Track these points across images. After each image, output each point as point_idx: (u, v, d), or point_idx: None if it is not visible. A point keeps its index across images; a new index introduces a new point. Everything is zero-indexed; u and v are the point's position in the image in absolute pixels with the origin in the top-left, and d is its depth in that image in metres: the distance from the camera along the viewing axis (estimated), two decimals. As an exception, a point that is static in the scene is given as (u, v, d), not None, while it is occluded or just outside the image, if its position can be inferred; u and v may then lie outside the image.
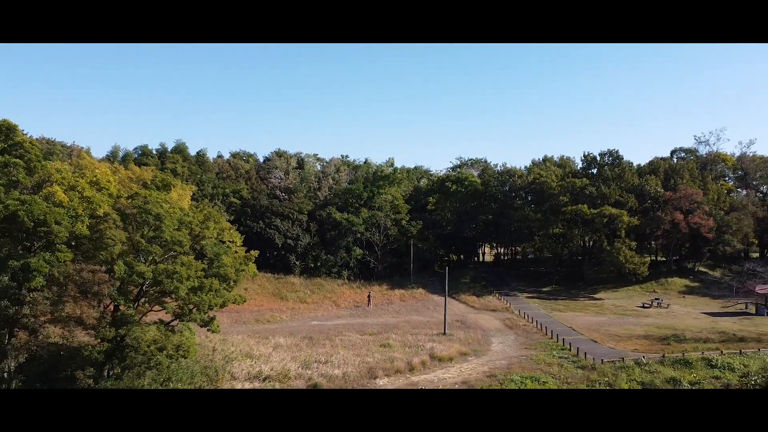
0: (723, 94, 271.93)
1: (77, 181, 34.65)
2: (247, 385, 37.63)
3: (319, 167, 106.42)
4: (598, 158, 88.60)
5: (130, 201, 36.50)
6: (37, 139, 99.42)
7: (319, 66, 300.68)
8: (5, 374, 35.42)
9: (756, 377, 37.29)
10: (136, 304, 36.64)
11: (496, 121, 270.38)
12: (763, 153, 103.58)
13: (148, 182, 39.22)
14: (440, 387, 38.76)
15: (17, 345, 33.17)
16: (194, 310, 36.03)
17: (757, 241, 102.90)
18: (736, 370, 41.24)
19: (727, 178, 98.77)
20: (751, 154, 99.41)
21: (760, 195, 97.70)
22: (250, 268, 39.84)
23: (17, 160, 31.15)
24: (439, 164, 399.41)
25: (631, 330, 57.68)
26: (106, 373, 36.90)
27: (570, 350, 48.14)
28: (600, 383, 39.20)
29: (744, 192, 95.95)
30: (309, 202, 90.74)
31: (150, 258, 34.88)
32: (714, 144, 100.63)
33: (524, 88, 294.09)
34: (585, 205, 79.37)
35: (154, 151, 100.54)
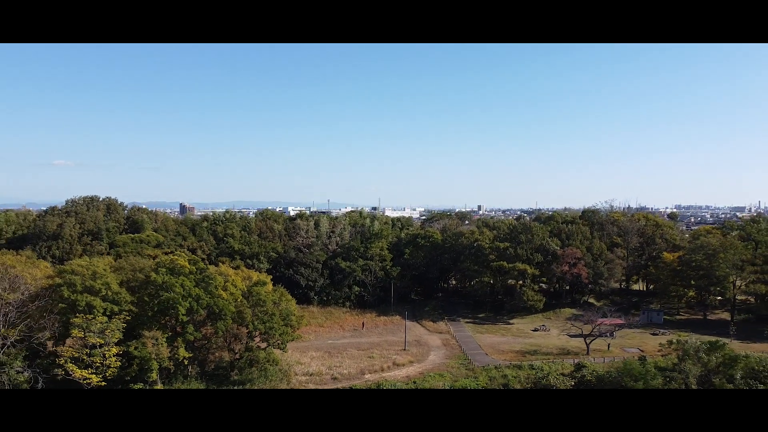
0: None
1: (226, 284, 76.49)
2: (304, 378, 79.47)
3: (327, 222, 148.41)
4: (518, 227, 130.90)
5: (248, 291, 78.39)
6: (129, 206, 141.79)
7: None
8: (191, 374, 77.45)
9: (541, 373, 79.26)
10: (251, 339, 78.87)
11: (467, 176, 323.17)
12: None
13: (254, 278, 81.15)
14: (393, 380, 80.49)
15: (219, 362, 75.51)
16: (280, 342, 78.12)
17: (643, 277, 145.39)
18: (543, 371, 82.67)
19: (614, 235, 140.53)
20: (630, 213, 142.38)
21: (637, 245, 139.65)
22: (303, 322, 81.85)
23: (211, 280, 72.76)
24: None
25: (513, 347, 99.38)
26: (234, 373, 79.14)
27: (467, 359, 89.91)
28: (470, 377, 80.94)
29: (624, 244, 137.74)
30: (323, 254, 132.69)
31: (260, 320, 76.89)
32: (607, 210, 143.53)
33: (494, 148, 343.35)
34: (505, 262, 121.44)
35: (210, 213, 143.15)
